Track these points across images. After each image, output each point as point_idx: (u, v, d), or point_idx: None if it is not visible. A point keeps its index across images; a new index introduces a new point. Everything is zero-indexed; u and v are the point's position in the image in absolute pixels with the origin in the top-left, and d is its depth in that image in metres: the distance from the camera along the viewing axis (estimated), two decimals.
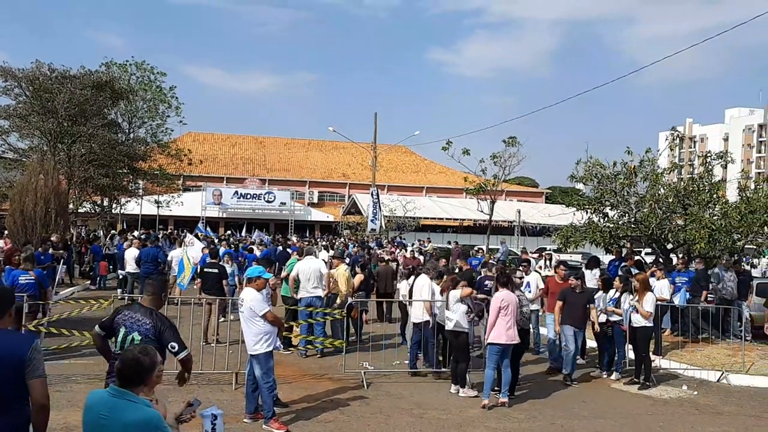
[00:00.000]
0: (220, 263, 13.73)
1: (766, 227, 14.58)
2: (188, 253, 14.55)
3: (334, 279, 12.19)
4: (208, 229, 37.49)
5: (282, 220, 58.53)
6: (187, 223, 49.67)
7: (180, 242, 22.33)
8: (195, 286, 13.72)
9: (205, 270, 12.89)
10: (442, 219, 53.84)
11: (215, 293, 12.28)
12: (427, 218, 51.89)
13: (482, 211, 28.24)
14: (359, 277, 12.63)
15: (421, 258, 20.71)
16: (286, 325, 10.83)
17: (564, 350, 10.28)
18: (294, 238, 38.31)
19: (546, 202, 61.92)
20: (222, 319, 12.84)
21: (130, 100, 32.25)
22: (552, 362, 11.16)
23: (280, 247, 24.81)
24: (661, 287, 12.33)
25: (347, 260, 15.72)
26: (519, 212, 41.22)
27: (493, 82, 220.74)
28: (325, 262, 14.23)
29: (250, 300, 7.56)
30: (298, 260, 12.28)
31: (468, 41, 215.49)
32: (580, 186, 17.52)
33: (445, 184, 68.79)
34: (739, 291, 13.75)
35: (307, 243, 26.60)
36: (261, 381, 7.53)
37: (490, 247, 28.55)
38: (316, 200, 67.49)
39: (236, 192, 58.72)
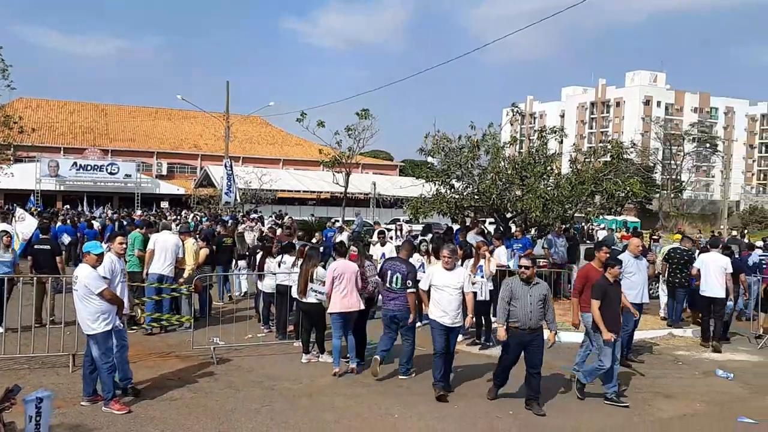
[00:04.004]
0: (55, 239, 12.77)
1: (594, 197, 15.97)
2: (17, 229, 13.36)
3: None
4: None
5: (127, 194, 55.36)
6: (20, 197, 45.58)
7: (9, 217, 20.44)
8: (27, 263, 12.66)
9: (36, 247, 11.93)
10: (299, 191, 53.61)
11: (48, 271, 11.40)
12: (284, 191, 51.42)
13: (338, 184, 28.43)
14: (204, 252, 12.28)
15: (278, 231, 20.49)
16: (137, 302, 10.35)
17: (598, 364, 7.98)
18: (138, 212, 36.44)
19: (400, 175, 63.49)
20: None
21: None
22: (580, 376, 8.39)
23: (125, 222, 23.46)
24: (499, 253, 13.11)
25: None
26: (374, 185, 41.93)
27: (348, 54, 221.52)
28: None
29: (85, 277, 7.11)
30: (142, 235, 11.72)
31: (323, 10, 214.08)
32: (431, 159, 18.08)
33: (302, 156, 68.32)
34: (569, 255, 14.99)
35: (154, 217, 25.40)
36: (99, 362, 7.14)
37: (345, 218, 28.91)
38: (165, 172, 64.48)
39: (75, 163, 54.66)
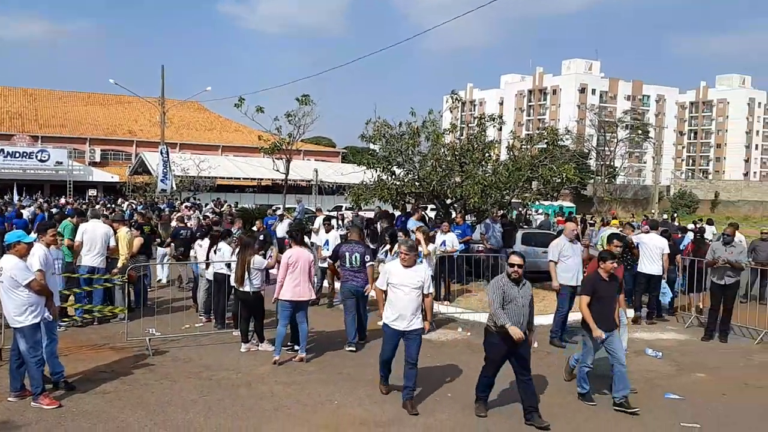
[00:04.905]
0: None
1: (531, 183, 16.30)
2: None
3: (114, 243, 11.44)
4: None
5: (59, 181, 53.34)
6: None
7: None
8: None
9: None
10: (239, 179, 52.75)
11: None
12: (224, 178, 50.56)
13: (278, 171, 28.09)
14: (138, 241, 11.95)
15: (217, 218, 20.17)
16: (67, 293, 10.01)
17: (582, 366, 7.65)
18: (63, 200, 35.21)
19: (343, 162, 63.30)
20: None
21: None
22: (580, 388, 7.78)
23: (54, 211, 22.66)
24: (452, 240, 13.31)
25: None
26: (316, 171, 41.67)
27: (288, 39, 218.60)
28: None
29: (11, 269, 6.82)
30: (73, 223, 11.32)
31: None
32: (373, 146, 18.08)
33: (242, 142, 67.22)
34: (504, 240, 15.28)
35: (86, 205, 24.58)
36: (27, 356, 6.89)
37: (287, 206, 28.64)
38: (98, 159, 62.51)
39: (2, 150, 52.34)
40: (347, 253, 9.91)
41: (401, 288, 7.28)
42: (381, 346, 7.53)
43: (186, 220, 15.72)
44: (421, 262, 10.87)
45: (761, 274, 14.15)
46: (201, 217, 20.94)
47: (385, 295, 7.51)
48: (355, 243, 10.12)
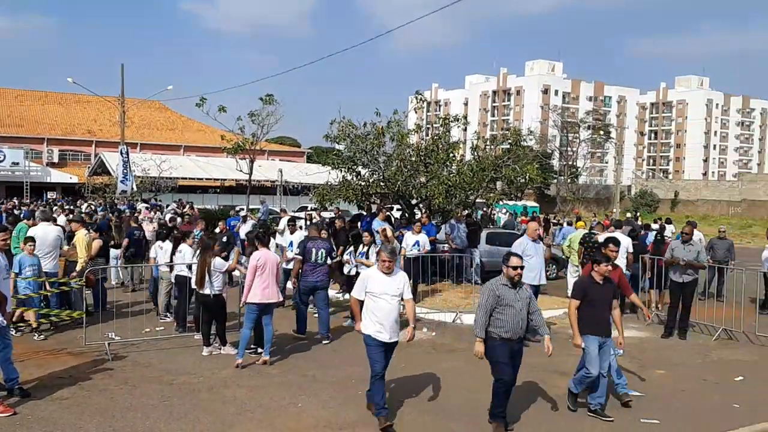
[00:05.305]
0: None
1: (495, 183, 16.43)
2: None
3: (72, 245, 11.17)
4: None
5: (15, 183, 51.82)
6: None
7: None
8: None
9: None
10: (202, 179, 51.97)
11: None
12: (186, 178, 49.76)
13: (241, 171, 27.77)
14: (97, 243, 11.68)
15: (179, 220, 19.86)
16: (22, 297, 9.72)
17: (584, 372, 7.26)
18: (15, 201, 34.34)
19: (308, 162, 62.91)
20: None
21: None
22: (570, 384, 7.58)
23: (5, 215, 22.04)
24: (425, 241, 13.38)
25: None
26: (281, 171, 41.37)
27: (251, 38, 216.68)
28: (64, 229, 13.03)
29: None
30: (28, 225, 11.01)
31: None
32: (339, 146, 17.99)
33: (204, 142, 66.25)
34: (470, 240, 15.35)
35: (43, 206, 23.97)
36: None
37: (251, 207, 28.33)
38: (56, 159, 60.98)
39: None
40: (314, 249, 10.46)
41: (382, 297, 6.77)
42: (369, 362, 6.86)
43: (141, 221, 15.43)
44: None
45: (719, 271, 14.47)
46: (163, 219, 20.61)
47: (361, 305, 6.96)
48: (320, 240, 10.86)
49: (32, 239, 10.03)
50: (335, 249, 11.49)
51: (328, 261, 10.62)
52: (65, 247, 10.94)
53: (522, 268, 6.61)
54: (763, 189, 62.74)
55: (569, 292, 14.13)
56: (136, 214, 17.17)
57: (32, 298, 9.82)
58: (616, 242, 8.92)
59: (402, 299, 6.93)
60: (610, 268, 7.33)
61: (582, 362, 7.36)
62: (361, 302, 6.92)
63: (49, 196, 45.68)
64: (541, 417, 7.27)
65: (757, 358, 10.07)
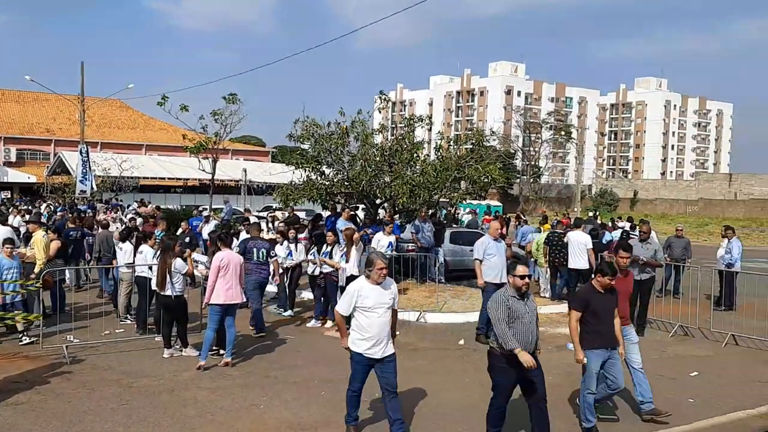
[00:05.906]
0: None
1: (459, 182, 16.56)
2: None
3: (30, 246, 10.91)
4: None
5: None
6: None
7: None
8: None
9: None
10: (164, 179, 51.20)
11: None
12: (148, 178, 48.97)
13: (204, 170, 27.43)
14: (56, 244, 11.44)
15: (139, 220, 19.53)
16: None
17: (583, 389, 6.78)
18: None
19: (273, 161, 62.43)
20: None
21: None
22: (585, 421, 6.81)
23: None
24: (394, 243, 13.52)
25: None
26: (245, 171, 40.99)
27: (215, 36, 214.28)
28: (18, 230, 12.72)
29: None
30: None
31: None
32: (304, 145, 17.90)
33: (167, 141, 65.20)
34: (435, 239, 15.45)
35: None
36: None
37: (214, 206, 28.01)
38: (14, 159, 59.42)
39: None
40: (254, 249, 10.84)
41: (376, 310, 6.17)
42: (349, 382, 6.46)
43: (105, 222, 15.12)
44: (346, 262, 10.93)
45: (675, 269, 14.81)
46: (123, 219, 20.26)
47: (347, 320, 6.41)
48: (259, 239, 11.25)
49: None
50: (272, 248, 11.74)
51: (269, 260, 11.06)
52: (22, 249, 10.66)
53: (530, 276, 6.29)
54: (718, 188, 64.52)
55: (542, 293, 14.50)
56: (80, 215, 16.76)
57: None
58: (627, 248, 8.33)
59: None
60: (612, 282, 6.80)
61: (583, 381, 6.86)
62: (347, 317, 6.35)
63: (3, 196, 44.46)
64: None
65: (712, 354, 10.35)
